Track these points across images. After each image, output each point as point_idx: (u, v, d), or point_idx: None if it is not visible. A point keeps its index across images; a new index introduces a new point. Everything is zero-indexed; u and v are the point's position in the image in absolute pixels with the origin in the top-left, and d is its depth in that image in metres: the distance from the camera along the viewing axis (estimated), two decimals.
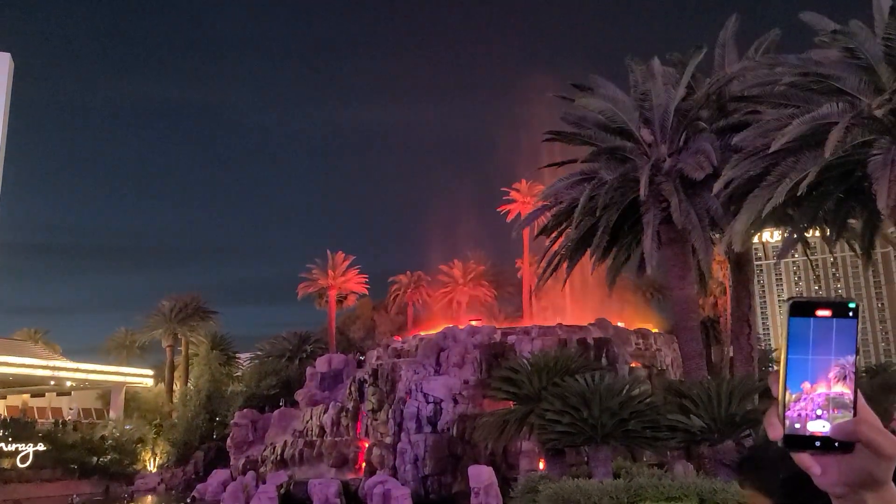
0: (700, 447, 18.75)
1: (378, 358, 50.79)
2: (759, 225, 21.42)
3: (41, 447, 51.72)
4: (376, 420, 44.28)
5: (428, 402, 43.35)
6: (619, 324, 52.23)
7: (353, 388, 47.94)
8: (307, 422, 49.25)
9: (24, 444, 50.93)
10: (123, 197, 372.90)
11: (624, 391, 16.53)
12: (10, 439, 50.75)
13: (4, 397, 66.05)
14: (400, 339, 54.10)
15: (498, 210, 66.89)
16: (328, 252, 70.85)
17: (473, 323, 55.58)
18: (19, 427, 53.22)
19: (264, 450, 49.45)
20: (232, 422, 53.56)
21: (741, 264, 26.80)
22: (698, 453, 21.18)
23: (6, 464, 50.22)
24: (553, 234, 30.64)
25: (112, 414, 63.62)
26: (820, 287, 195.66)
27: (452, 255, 74.64)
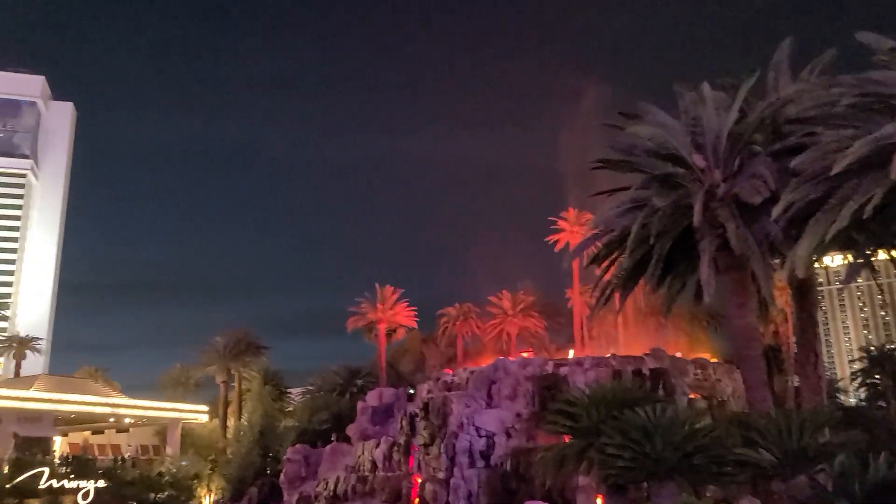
0: (770, 483, 17.96)
1: (429, 391, 50.48)
2: (822, 249, 20.68)
3: (101, 484, 52.53)
4: (428, 454, 43.84)
5: (480, 436, 42.74)
6: (676, 354, 50.98)
7: (404, 423, 47.65)
8: (359, 457, 49.08)
9: (84, 481, 51.79)
10: (177, 234, 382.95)
11: (688, 424, 15.96)
12: (71, 476, 51.70)
13: (66, 434, 67.50)
14: (450, 371, 53.73)
15: (546, 240, 66.33)
16: (377, 286, 71.20)
17: (524, 355, 54.94)
18: (80, 464, 54.19)
19: (317, 485, 49.39)
20: (285, 457, 53.76)
21: (804, 290, 25.89)
22: (766, 488, 20.30)
23: (68, 501, 51.07)
24: (605, 264, 30.15)
25: (169, 450, 64.45)
26: (886, 312, 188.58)
27: (501, 286, 74.20)
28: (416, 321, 73.70)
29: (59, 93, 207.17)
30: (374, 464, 47.83)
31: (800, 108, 23.28)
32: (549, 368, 46.02)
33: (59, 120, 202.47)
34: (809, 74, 25.68)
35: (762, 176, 22.97)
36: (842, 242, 21.13)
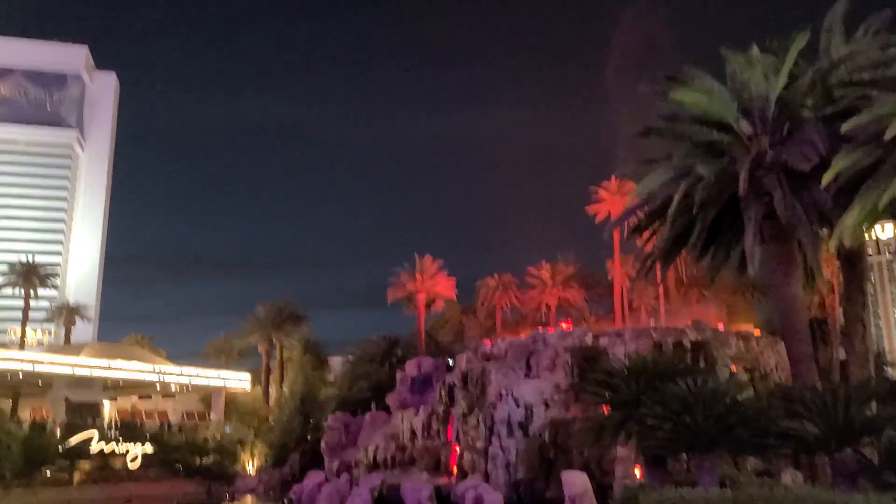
0: (813, 456, 17.62)
1: (468, 361, 50.59)
2: (873, 218, 19.95)
3: (149, 448, 54.16)
4: (467, 424, 44.08)
5: (519, 407, 42.81)
6: (718, 326, 50.23)
7: (442, 392, 47.94)
8: (399, 426, 49.59)
9: (133, 445, 53.48)
10: (219, 210, 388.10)
11: (729, 396, 15.65)
12: (120, 440, 53.39)
13: (115, 399, 69.59)
14: (489, 342, 53.75)
15: (587, 210, 65.58)
16: (416, 256, 71.33)
17: (564, 326, 54.69)
18: (129, 428, 55.93)
19: (357, 453, 50.10)
20: (325, 425, 54.59)
21: (853, 261, 25.10)
22: (809, 462, 19.93)
23: (118, 463, 52.84)
24: (646, 234, 29.63)
25: (213, 416, 66.06)
26: None
27: (541, 257, 73.84)
28: (456, 292, 73.79)
29: (102, 64, 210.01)
30: (413, 433, 48.29)
31: (853, 71, 22.37)
32: (589, 340, 45.71)
33: (104, 91, 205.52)
34: (864, 35, 24.58)
35: (812, 141, 22.18)
36: (894, 211, 20.36)
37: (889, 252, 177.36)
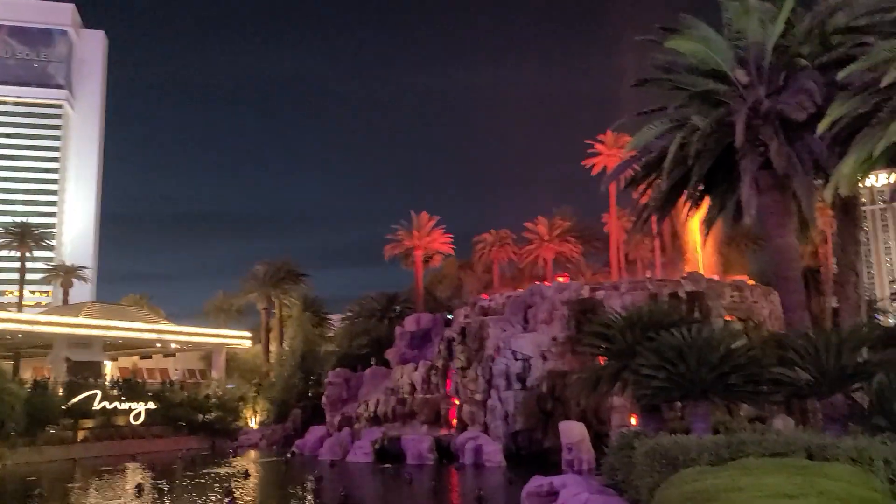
0: (805, 402, 17.96)
1: (466, 316, 51.08)
2: (868, 167, 19.93)
3: (151, 406, 54.86)
4: (466, 377, 44.71)
5: (517, 360, 43.38)
6: (713, 276, 50.57)
7: (441, 347, 48.50)
8: (398, 380, 50.28)
9: (135, 403, 54.15)
10: (220, 167, 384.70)
11: (723, 344, 15.89)
12: (123, 398, 54.03)
13: (116, 359, 70.19)
14: (487, 297, 54.16)
15: (583, 164, 65.40)
16: (412, 213, 71.32)
17: (560, 279, 55.01)
18: (131, 387, 56.54)
19: (358, 407, 50.87)
20: (326, 380, 55.30)
21: (847, 209, 25.13)
22: (800, 407, 20.30)
23: (121, 421, 53.59)
24: (642, 186, 29.59)
25: (214, 374, 66.77)
26: None
27: (538, 211, 73.87)
28: (453, 248, 74.02)
29: (89, 21, 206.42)
30: (412, 386, 49.00)
31: (850, 17, 22.11)
32: (585, 293, 46.10)
33: (92, 49, 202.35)
34: None
35: (808, 90, 22.04)
36: (889, 159, 20.33)
37: (882, 201, 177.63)
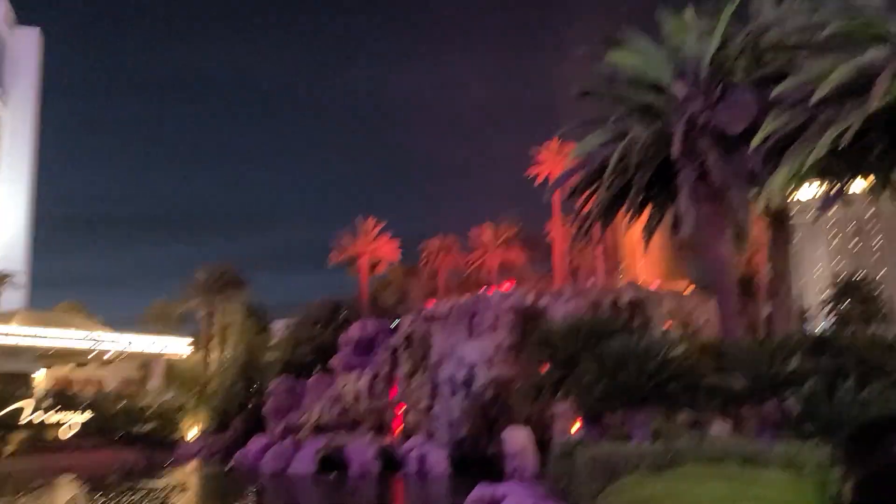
0: (740, 407, 18.43)
1: (411, 323, 50.99)
2: (799, 179, 20.69)
3: (85, 417, 53.12)
4: (411, 385, 44.64)
5: (462, 366, 43.50)
6: (653, 285, 51.68)
7: (387, 354, 48.33)
8: (343, 388, 49.82)
9: (69, 415, 52.35)
10: (155, 167, 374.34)
11: (662, 353, 16.24)
12: (55, 409, 52.19)
13: (49, 368, 67.76)
14: (432, 304, 54.18)
15: (527, 174, 66.11)
16: (358, 219, 70.88)
17: (506, 286, 55.41)
18: (64, 398, 54.68)
19: (301, 416, 50.20)
20: (268, 389, 54.44)
21: (779, 220, 26.05)
22: (736, 412, 20.83)
23: (52, 434, 51.72)
24: (584, 195, 30.07)
25: (152, 383, 65.06)
26: (857, 242, 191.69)
27: (484, 218, 74.24)
28: (399, 254, 73.78)
29: (24, 18, 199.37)
30: (357, 394, 48.63)
31: (782, 35, 22.90)
32: (530, 300, 46.54)
33: (26, 47, 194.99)
34: None
35: (743, 104, 22.77)
36: (819, 171, 21.14)
37: (810, 212, 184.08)
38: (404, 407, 44.80)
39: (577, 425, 35.69)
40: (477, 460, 39.61)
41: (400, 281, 79.82)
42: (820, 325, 58.15)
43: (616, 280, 60.32)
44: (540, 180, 64.79)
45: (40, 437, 50.97)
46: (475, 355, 43.66)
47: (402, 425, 44.39)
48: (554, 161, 63.65)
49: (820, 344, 21.28)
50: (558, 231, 64.24)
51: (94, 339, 61.86)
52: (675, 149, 22.62)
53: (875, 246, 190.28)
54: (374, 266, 72.79)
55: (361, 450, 42.26)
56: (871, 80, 17.25)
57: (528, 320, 44.09)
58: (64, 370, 69.47)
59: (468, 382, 42.99)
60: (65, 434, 51.83)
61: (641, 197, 27.11)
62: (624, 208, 27.39)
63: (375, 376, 48.43)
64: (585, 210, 29.22)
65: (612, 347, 16.67)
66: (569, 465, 16.35)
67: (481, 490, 18.48)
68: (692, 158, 24.14)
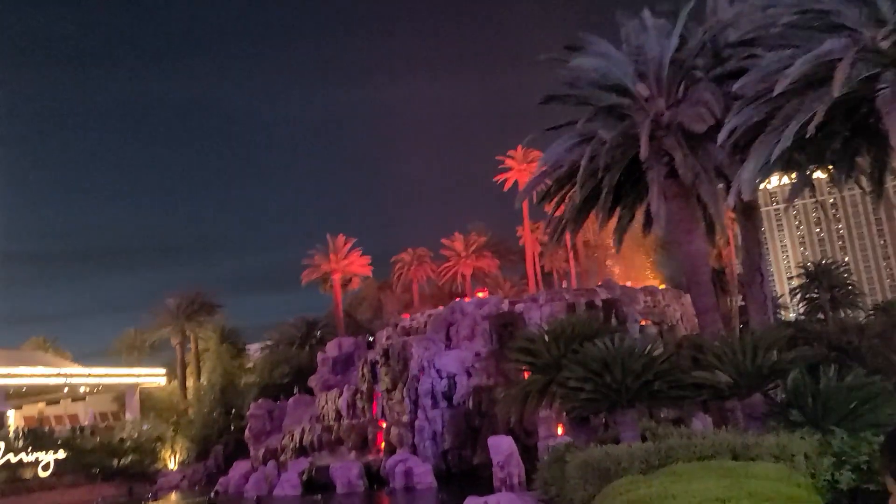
0: (723, 402, 18.55)
1: (388, 338, 50.70)
2: (767, 171, 20.96)
3: (61, 454, 51.85)
4: (391, 399, 44.27)
5: (441, 378, 43.30)
6: (626, 283, 52.10)
7: (365, 370, 47.91)
8: (323, 407, 49.30)
9: (43, 453, 51.07)
10: (116, 198, 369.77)
11: (646, 352, 16.27)
12: (29, 449, 50.87)
13: (20, 408, 66.09)
14: (408, 317, 53.97)
15: (494, 180, 66.39)
16: (328, 237, 70.52)
17: (480, 295, 55.42)
18: (37, 436, 53.34)
19: (283, 438, 49.54)
20: (248, 413, 53.70)
21: (748, 212, 26.37)
22: (718, 406, 20.98)
23: (28, 473, 50.37)
24: (555, 200, 30.18)
25: (128, 415, 63.78)
26: (821, 229, 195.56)
27: (455, 228, 74.40)
28: (371, 269, 73.52)
29: None
30: (338, 413, 48.12)
31: (739, 31, 23.25)
32: (505, 307, 46.59)
33: None
34: None
35: (706, 101, 23.04)
36: (785, 163, 21.44)
37: (776, 202, 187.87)
38: (386, 422, 44.41)
39: (561, 430, 35.74)
40: (462, 471, 39.40)
41: (374, 296, 79.48)
42: (791, 313, 59.08)
43: (589, 280, 60.68)
44: (508, 186, 65.09)
45: (16, 477, 49.64)
46: (454, 365, 43.51)
47: (386, 440, 43.98)
48: (521, 167, 64.05)
49: (795, 333, 21.56)
50: (528, 236, 64.51)
51: (66, 375, 60.52)
52: (644, 149, 22.79)
53: (837, 232, 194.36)
54: (346, 283, 72.44)
55: (346, 468, 41.77)
56: (831, 71, 17.53)
57: (505, 327, 44.11)
58: (36, 408, 67.84)
59: (449, 393, 42.82)
60: (41, 473, 50.52)
61: (612, 198, 27.28)
62: (595, 210, 27.52)
63: (355, 393, 47.98)
64: (557, 214, 29.31)
65: (595, 350, 16.67)
66: (559, 470, 16.28)
67: (472, 502, 18.32)
68: (660, 157, 24.36)
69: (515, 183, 63.88)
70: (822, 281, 49.39)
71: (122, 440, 56.15)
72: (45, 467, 50.74)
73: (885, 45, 17.78)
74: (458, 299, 52.23)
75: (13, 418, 62.50)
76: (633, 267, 63.48)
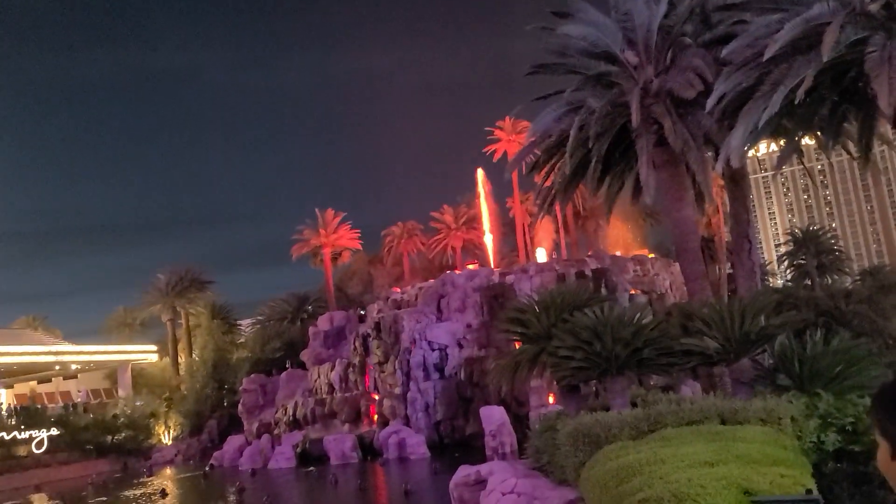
0: (711, 368, 18.70)
1: (379, 311, 50.81)
2: (755, 137, 20.89)
3: (54, 431, 51.99)
4: (384, 372, 44.50)
5: (433, 350, 43.53)
6: (616, 252, 52.23)
7: (357, 343, 48.08)
8: (315, 381, 49.54)
9: (37, 431, 51.20)
10: (103, 175, 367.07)
11: (635, 320, 16.34)
12: (22, 427, 50.98)
13: (11, 386, 66.11)
14: (399, 290, 54.04)
15: (484, 151, 66.15)
16: (317, 211, 70.29)
17: (470, 267, 55.48)
18: (30, 414, 53.44)
19: (276, 412, 49.82)
20: (241, 388, 53.92)
21: (737, 180, 26.35)
22: (706, 373, 21.17)
23: (22, 451, 50.52)
24: (544, 170, 30.06)
25: (121, 392, 63.96)
26: (809, 196, 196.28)
27: (444, 200, 74.24)
28: (361, 243, 73.49)
29: None
30: (330, 386, 48.38)
31: None
32: (496, 278, 46.69)
33: None
34: None
35: (695, 68, 22.88)
36: (773, 129, 21.36)
37: (764, 169, 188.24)
38: (379, 395, 44.69)
39: (552, 399, 36.04)
40: (455, 441, 39.78)
41: (365, 269, 79.50)
42: (779, 279, 59.49)
43: (579, 250, 60.78)
44: (497, 157, 64.91)
45: (10, 455, 49.78)
46: (446, 337, 43.71)
47: (378, 413, 44.29)
48: (509, 138, 63.84)
49: (783, 299, 21.70)
50: (518, 207, 64.46)
51: (56, 353, 60.45)
52: (634, 117, 22.65)
53: (825, 199, 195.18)
54: (337, 256, 72.38)
55: (340, 440, 42.11)
56: (820, 35, 17.40)
57: (496, 298, 44.24)
58: (28, 386, 67.87)
59: (440, 365, 43.07)
60: (35, 450, 50.67)
61: (601, 167, 27.18)
62: (585, 179, 27.43)
63: (348, 366, 48.20)
64: (547, 184, 29.22)
65: (585, 319, 16.72)
66: (550, 439, 16.40)
67: (464, 471, 18.47)
68: (649, 125, 24.23)
69: (504, 153, 63.66)
70: (809, 247, 49.72)
71: (115, 416, 56.34)
72: (39, 444, 50.89)
73: (873, 8, 17.66)
74: (448, 272, 52.26)
75: (5, 396, 62.57)
76: (622, 236, 63.63)
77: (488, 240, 62.12)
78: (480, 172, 60.95)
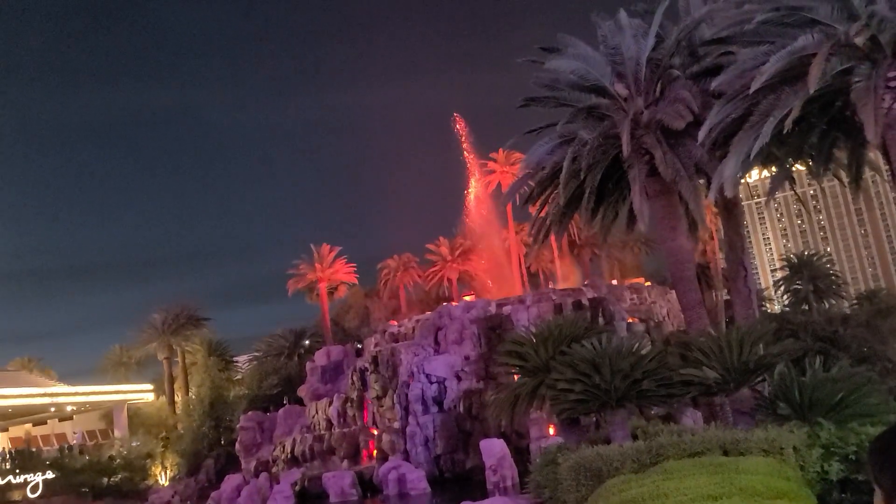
0: (711, 397, 18.67)
1: (376, 344, 50.60)
2: (747, 167, 21.17)
3: (49, 475, 51.36)
4: (382, 406, 44.16)
5: (431, 383, 43.27)
6: (612, 281, 52.35)
7: (354, 378, 47.78)
8: (313, 417, 49.12)
9: (31, 474, 50.60)
10: (97, 214, 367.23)
11: (633, 351, 16.35)
12: (17, 471, 50.38)
13: (6, 430, 65.42)
14: (396, 323, 53.89)
15: (478, 182, 66.49)
16: (312, 246, 70.43)
17: (467, 298, 55.45)
18: (25, 457, 52.88)
19: (274, 450, 49.30)
20: (238, 426, 53.39)
21: (730, 208, 26.60)
22: (707, 402, 21.14)
23: (17, 495, 49.87)
24: (539, 202, 30.30)
25: (117, 433, 63.33)
26: (802, 221, 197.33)
27: (440, 232, 74.41)
28: (357, 276, 73.45)
29: None
30: (329, 422, 47.96)
31: (714, 29, 23.45)
32: (493, 309, 46.61)
33: None
34: None
35: (684, 100, 23.22)
36: (764, 158, 21.65)
37: (757, 195, 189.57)
38: (378, 429, 44.31)
39: (552, 431, 35.80)
40: (455, 475, 39.38)
41: (361, 303, 79.35)
42: (776, 305, 59.53)
43: (574, 279, 60.86)
44: (491, 188, 65.27)
45: (4, 500, 49.14)
46: (444, 370, 43.51)
47: (378, 448, 43.87)
48: (503, 170, 64.28)
49: (780, 326, 21.77)
50: (513, 238, 64.67)
51: (52, 395, 59.98)
52: (625, 148, 22.93)
53: (818, 224, 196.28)
54: (333, 291, 72.32)
55: (339, 477, 41.62)
56: (806, 66, 17.73)
57: (493, 329, 44.13)
58: (23, 429, 67.22)
59: (439, 398, 42.80)
60: (30, 494, 50.03)
61: (595, 198, 27.42)
62: (579, 210, 27.64)
63: (346, 401, 47.85)
64: (541, 215, 29.41)
65: (583, 351, 16.73)
66: (552, 472, 16.30)
67: None
68: (640, 155, 24.52)
69: (498, 185, 64.05)
70: (804, 272, 49.83)
71: (111, 458, 55.70)
72: (34, 489, 50.24)
73: (858, 40, 18.00)
74: (445, 303, 52.23)
75: (0, 440, 61.92)
76: (618, 265, 63.81)
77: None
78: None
